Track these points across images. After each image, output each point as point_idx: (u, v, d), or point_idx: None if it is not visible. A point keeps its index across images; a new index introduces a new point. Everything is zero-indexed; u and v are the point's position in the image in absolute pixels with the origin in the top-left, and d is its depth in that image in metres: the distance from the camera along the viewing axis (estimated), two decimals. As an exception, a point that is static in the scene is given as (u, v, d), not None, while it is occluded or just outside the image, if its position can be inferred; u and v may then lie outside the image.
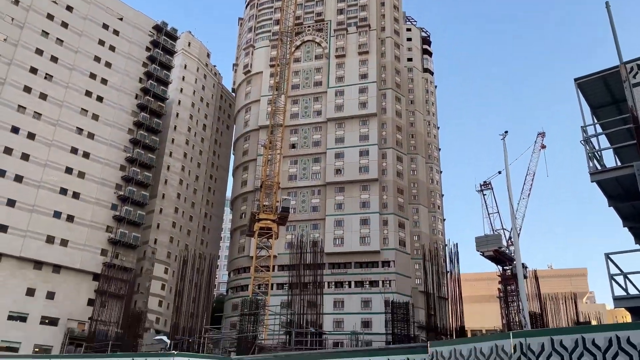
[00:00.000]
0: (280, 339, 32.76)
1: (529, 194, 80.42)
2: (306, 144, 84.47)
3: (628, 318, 14.00)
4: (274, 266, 69.13)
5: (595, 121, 14.27)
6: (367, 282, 74.09)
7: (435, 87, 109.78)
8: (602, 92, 13.63)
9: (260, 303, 33.46)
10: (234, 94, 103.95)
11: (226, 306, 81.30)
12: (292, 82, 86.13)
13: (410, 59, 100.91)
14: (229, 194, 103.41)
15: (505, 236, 74.59)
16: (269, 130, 75.74)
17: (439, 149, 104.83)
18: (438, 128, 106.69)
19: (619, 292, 11.65)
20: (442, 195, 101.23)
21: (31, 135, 64.13)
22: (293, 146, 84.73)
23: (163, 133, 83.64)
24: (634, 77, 12.06)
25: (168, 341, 30.28)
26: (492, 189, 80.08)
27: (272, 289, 67.58)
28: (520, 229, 78.81)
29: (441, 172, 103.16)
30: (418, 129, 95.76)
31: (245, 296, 55.28)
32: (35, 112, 65.30)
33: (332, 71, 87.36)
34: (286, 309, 35.02)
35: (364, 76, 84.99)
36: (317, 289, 33.73)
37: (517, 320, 58.44)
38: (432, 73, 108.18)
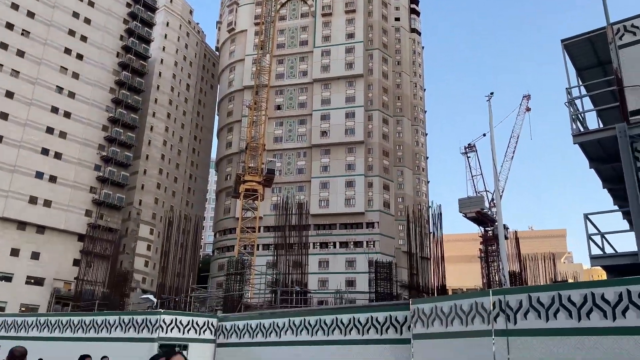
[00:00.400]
0: (266, 297, 33.35)
1: (512, 157, 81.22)
2: (292, 105, 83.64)
3: (604, 277, 14.46)
4: (259, 227, 69.62)
5: (580, 83, 14.31)
6: (352, 243, 75.18)
7: (423, 48, 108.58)
8: (588, 53, 13.60)
9: (246, 263, 33.85)
10: (217, 53, 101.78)
11: (212, 266, 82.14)
12: (277, 41, 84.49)
13: (397, 19, 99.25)
14: (213, 155, 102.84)
15: (487, 198, 75.71)
16: (253, 91, 74.73)
17: (425, 111, 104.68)
18: (424, 90, 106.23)
19: (596, 251, 11.98)
20: (427, 158, 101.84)
21: (9, 94, 62.42)
22: (278, 107, 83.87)
23: (146, 93, 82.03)
24: (620, 38, 12.03)
25: (155, 300, 30.63)
26: (476, 152, 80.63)
27: (257, 249, 68.29)
28: (502, 191, 79.90)
29: (426, 134, 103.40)
30: (404, 91, 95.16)
31: (231, 256, 55.83)
32: (12, 69, 63.35)
33: (319, 30, 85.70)
34: (272, 268, 35.48)
35: (350, 36, 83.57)
36: (302, 250, 34.11)
37: (497, 279, 60.05)
38: (419, 33, 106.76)
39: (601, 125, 14.70)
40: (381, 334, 13.03)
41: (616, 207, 15.39)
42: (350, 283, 70.57)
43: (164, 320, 16.43)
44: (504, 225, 67.63)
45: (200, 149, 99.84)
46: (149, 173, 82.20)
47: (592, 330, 8.63)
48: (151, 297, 31.85)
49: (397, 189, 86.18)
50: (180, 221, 36.63)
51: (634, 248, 10.90)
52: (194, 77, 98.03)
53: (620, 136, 11.29)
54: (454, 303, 10.93)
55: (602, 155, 12.84)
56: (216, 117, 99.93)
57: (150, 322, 16.59)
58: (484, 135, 79.18)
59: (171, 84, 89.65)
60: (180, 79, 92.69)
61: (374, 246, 73.63)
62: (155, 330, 16.34)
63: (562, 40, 13.24)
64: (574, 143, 12.28)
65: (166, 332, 16.36)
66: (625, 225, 14.93)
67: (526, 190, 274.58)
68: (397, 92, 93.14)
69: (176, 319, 16.75)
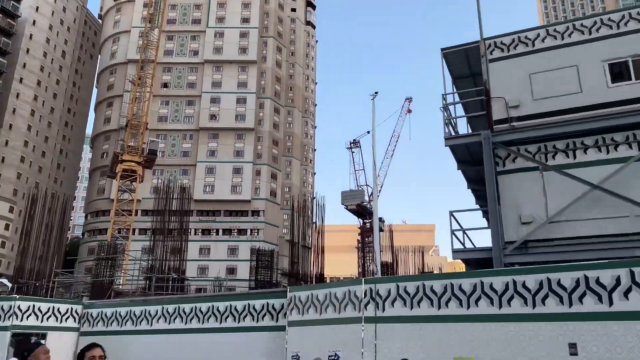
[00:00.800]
0: (140, 284, 31.83)
1: (392, 154, 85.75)
2: (180, 84, 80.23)
3: (464, 269, 15.85)
4: (136, 210, 66.12)
5: (455, 90, 15.52)
6: (235, 231, 74.47)
7: (317, 41, 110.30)
8: (463, 64, 14.76)
9: (119, 247, 31.92)
10: (100, 21, 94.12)
11: (81, 250, 76.31)
12: (167, 16, 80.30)
13: (293, 9, 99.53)
14: (89, 130, 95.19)
15: (368, 192, 79.33)
16: (138, 65, 70.35)
17: (315, 105, 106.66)
18: (316, 83, 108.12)
19: (458, 245, 13.14)
20: (315, 150, 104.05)
21: None
22: (165, 85, 79.96)
23: (13, 55, 73.37)
24: (491, 53, 13.23)
25: (9, 284, 27.69)
26: (360, 147, 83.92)
27: (133, 233, 64.80)
28: (381, 186, 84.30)
29: (316, 127, 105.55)
30: (297, 82, 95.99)
31: (103, 240, 52.32)
32: None
33: (213, 10, 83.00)
34: (148, 254, 33.92)
35: (245, 20, 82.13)
36: (182, 236, 33.06)
37: (371, 269, 63.27)
38: (314, 27, 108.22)
39: (470, 131, 16.11)
40: (257, 321, 13.07)
41: (477, 207, 17.01)
42: (232, 271, 69.95)
43: (19, 307, 14.92)
44: (381, 218, 71.40)
45: (74, 122, 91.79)
46: (11, 145, 73.81)
47: (450, 317, 9.45)
48: (5, 281, 28.78)
49: (284, 178, 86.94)
50: (46, 199, 33.48)
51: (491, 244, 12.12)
52: (71, 44, 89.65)
53: (484, 142, 12.45)
54: (329, 291, 11.28)
55: (468, 158, 14.07)
56: (95, 90, 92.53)
57: (2, 308, 14.98)
58: (368, 132, 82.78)
59: (44, 49, 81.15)
60: (55, 44, 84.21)
61: (257, 234, 73.66)
62: (9, 318, 14.80)
63: (442, 49, 14.23)
64: (446, 145, 13.31)
65: (21, 320, 14.89)
66: (485, 222, 16.55)
67: (403, 187, 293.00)
68: (290, 83, 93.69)
69: (34, 306, 15.30)
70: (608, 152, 11.60)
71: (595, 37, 12.27)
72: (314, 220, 36.19)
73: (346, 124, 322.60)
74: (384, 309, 10.17)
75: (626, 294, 8.04)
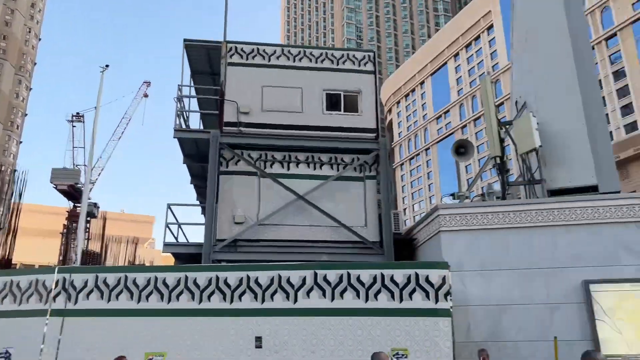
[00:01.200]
0: None
1: (120, 137, 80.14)
2: None
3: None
4: None
5: (193, 84, 15.53)
6: None
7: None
8: (204, 60, 14.92)
9: None
10: None
11: None
12: None
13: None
14: None
15: (85, 173, 72.20)
16: None
17: (35, 63, 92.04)
18: (40, 39, 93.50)
19: (170, 239, 13.01)
20: (26, 115, 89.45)
21: None
22: None
23: None
24: (231, 57, 13.68)
25: None
26: (84, 123, 75.73)
27: None
28: (102, 169, 77.87)
29: (31, 89, 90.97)
30: (14, 32, 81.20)
31: None
32: None
33: None
34: None
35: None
36: None
37: (73, 257, 57.65)
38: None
39: (202, 128, 16.32)
40: None
41: (198, 202, 17.25)
42: None
43: None
44: (95, 203, 66.30)
45: None
46: None
47: (150, 311, 9.26)
48: None
49: (-23, 141, 71.98)
50: None
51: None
52: None
53: (212, 141, 12.75)
54: (10, 279, 9.76)
55: (195, 153, 14.20)
56: None
57: None
58: (95, 108, 75.72)
59: None
60: None
61: None
62: None
63: (185, 40, 14.07)
64: (174, 137, 13.15)
65: None
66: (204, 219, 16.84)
67: (128, 173, 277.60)
68: (5, 31, 78.68)
69: None
70: (315, 169, 13.26)
71: (320, 67, 13.96)
72: (11, 197, 31.05)
73: (73, 94, 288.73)
74: (76, 302, 9.33)
75: (309, 292, 9.23)
